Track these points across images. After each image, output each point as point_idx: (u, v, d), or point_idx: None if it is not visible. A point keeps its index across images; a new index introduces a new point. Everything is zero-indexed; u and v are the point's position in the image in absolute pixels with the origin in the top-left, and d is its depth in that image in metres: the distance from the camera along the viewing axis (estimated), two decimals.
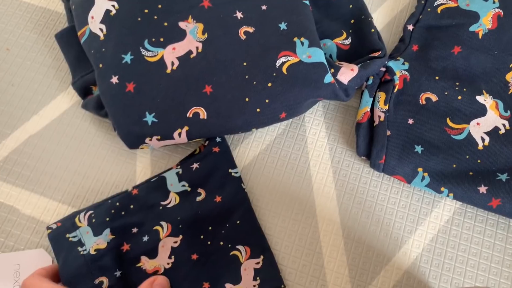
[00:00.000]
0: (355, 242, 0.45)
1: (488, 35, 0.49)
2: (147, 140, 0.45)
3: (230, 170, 0.46)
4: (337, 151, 0.48)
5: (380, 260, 0.44)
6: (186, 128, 0.45)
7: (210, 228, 0.44)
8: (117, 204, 0.44)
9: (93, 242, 0.42)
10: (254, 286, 0.42)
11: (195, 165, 0.45)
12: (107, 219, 0.44)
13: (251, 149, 0.48)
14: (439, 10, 0.51)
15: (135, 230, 0.44)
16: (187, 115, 0.44)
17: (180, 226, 0.44)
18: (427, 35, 0.50)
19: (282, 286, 0.42)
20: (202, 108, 0.44)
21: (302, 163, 0.48)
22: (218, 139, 0.46)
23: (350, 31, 0.51)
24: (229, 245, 0.43)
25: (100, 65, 0.45)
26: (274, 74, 0.45)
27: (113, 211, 0.44)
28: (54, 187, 0.46)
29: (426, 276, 0.44)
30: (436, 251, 0.44)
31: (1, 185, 0.46)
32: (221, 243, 0.43)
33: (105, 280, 0.42)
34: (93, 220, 0.44)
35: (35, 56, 0.52)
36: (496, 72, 0.48)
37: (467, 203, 0.45)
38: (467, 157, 0.45)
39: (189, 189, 0.45)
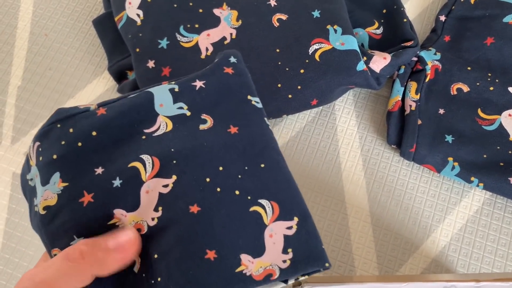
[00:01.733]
0: (383, 230, 0.45)
1: None
2: None
3: (249, 97, 0.33)
4: (367, 139, 0.49)
5: (408, 247, 0.44)
6: None
7: (220, 168, 0.30)
8: (70, 130, 0.29)
9: (41, 196, 0.29)
10: (285, 261, 0.28)
11: (199, 83, 0.32)
12: (54, 156, 0.29)
13: (281, 136, 0.49)
14: (472, 0, 0.51)
15: (99, 170, 0.29)
16: None
17: (175, 161, 0.30)
18: (460, 26, 0.50)
19: (327, 265, 0.29)
20: None
21: (331, 150, 0.48)
22: (232, 59, 0.34)
23: (382, 20, 0.51)
24: (249, 197, 0.30)
25: (137, 50, 0.46)
26: (307, 61, 0.45)
27: (63, 142, 0.29)
28: None
29: (454, 265, 0.44)
30: (465, 240, 0.44)
31: None
32: (237, 192, 0.30)
33: (58, 252, 0.28)
34: (40, 158, 0.29)
35: (71, 42, 0.53)
36: None
37: (497, 194, 0.45)
38: (498, 148, 0.45)
39: (188, 113, 0.32)
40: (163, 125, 0.31)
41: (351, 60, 0.45)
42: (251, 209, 0.29)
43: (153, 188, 0.29)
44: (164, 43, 0.46)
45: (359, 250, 0.44)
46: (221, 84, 0.33)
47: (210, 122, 0.32)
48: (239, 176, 0.30)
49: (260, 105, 0.34)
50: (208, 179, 0.29)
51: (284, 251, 0.29)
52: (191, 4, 0.47)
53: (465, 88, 0.47)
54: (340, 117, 0.50)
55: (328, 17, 0.47)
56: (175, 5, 0.47)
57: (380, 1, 0.51)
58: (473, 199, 0.46)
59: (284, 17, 0.47)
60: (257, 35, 0.46)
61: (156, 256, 0.28)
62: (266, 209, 0.30)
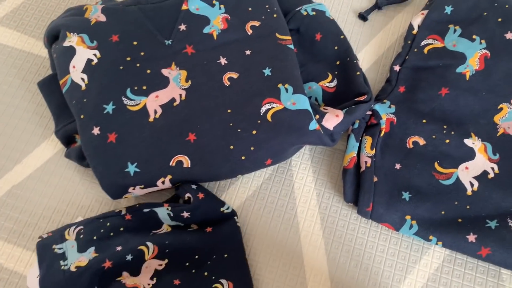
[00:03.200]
0: None
1: (475, 76, 0.48)
2: (130, 189, 0.44)
3: (221, 209, 0.45)
4: (325, 196, 0.48)
5: None
6: (169, 176, 0.44)
7: (196, 256, 0.44)
8: (108, 224, 0.44)
9: (75, 259, 0.42)
10: None
11: (186, 214, 0.44)
12: (95, 237, 0.44)
13: (237, 196, 0.48)
14: (425, 50, 0.50)
15: (119, 248, 0.43)
16: (170, 164, 0.44)
17: (167, 250, 0.43)
18: (414, 76, 0.50)
19: None
20: (186, 157, 0.44)
21: (289, 209, 0.47)
22: (193, 186, 0.45)
23: (336, 73, 0.50)
24: (213, 277, 0.43)
25: (82, 116, 0.44)
26: (259, 121, 0.44)
27: (102, 230, 0.44)
28: (36, 240, 0.46)
29: None
30: None
31: None
32: (206, 273, 0.43)
33: None
34: (81, 236, 0.43)
35: (18, 102, 0.51)
36: (484, 114, 0.48)
37: (456, 251, 0.44)
38: (456, 203, 0.44)
39: (182, 224, 0.46)
40: (165, 228, 0.45)
41: (303, 120, 0.44)
42: (214, 285, 0.42)
43: (151, 265, 0.43)
44: (109, 108, 0.44)
45: None
46: (200, 211, 0.45)
47: (195, 227, 0.46)
48: (208, 262, 0.43)
49: (229, 210, 0.46)
50: (187, 263, 0.44)
51: None
52: (138, 65, 0.46)
53: (421, 141, 0.47)
54: (297, 173, 0.48)
55: (279, 76, 0.46)
56: (121, 67, 0.46)
57: (333, 53, 0.50)
58: (433, 256, 0.45)
59: (235, 75, 0.46)
60: (208, 96, 0.45)
61: None
62: (224, 286, 0.42)
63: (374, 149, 0.47)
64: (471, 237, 0.43)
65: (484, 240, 0.43)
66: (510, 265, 0.42)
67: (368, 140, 0.47)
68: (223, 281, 0.43)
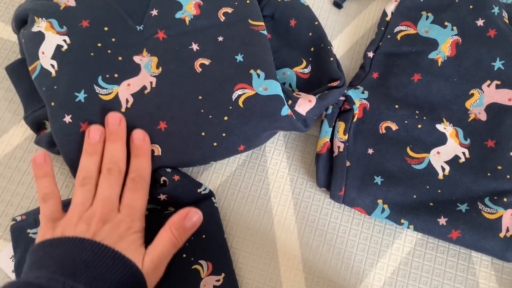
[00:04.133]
0: (316, 277, 0.44)
1: (447, 62, 0.49)
2: None
3: (198, 190, 0.45)
4: (298, 181, 0.48)
5: None
6: None
7: None
8: None
9: None
10: None
11: (162, 197, 0.44)
12: None
13: (211, 181, 0.47)
14: (398, 37, 0.50)
15: None
16: None
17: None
18: (387, 62, 0.50)
19: None
20: (157, 145, 0.43)
21: (263, 195, 0.47)
22: (168, 169, 0.44)
23: (310, 59, 0.50)
24: (192, 258, 0.43)
25: (52, 104, 0.43)
26: (230, 108, 0.44)
27: None
28: (5, 226, 0.45)
29: None
30: (398, 284, 0.44)
31: None
32: (184, 255, 0.43)
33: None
34: None
35: None
36: (456, 100, 0.48)
37: (428, 235, 0.44)
38: (428, 187, 0.45)
39: (159, 207, 0.45)
40: None
41: (275, 106, 0.44)
42: (193, 266, 0.42)
43: None
44: (81, 96, 0.44)
45: None
46: (177, 193, 0.44)
47: (172, 209, 0.45)
48: (187, 244, 0.42)
49: (206, 190, 0.45)
50: None
51: None
52: (109, 51, 0.45)
53: (394, 127, 0.47)
54: (271, 159, 0.48)
55: (251, 61, 0.46)
56: (92, 54, 0.45)
57: (307, 40, 0.50)
58: (405, 240, 0.45)
59: (207, 62, 0.46)
60: (178, 82, 0.45)
61: None
62: (203, 267, 0.42)
63: (347, 134, 0.47)
64: (442, 220, 0.43)
65: (454, 223, 0.43)
66: (479, 247, 0.43)
67: (341, 126, 0.47)
68: (202, 262, 0.43)
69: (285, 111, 0.44)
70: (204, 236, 0.44)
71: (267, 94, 0.44)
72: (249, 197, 0.47)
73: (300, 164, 0.48)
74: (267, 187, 0.47)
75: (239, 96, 0.44)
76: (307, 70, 0.50)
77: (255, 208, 0.46)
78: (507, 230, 0.43)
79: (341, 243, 0.45)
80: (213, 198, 0.45)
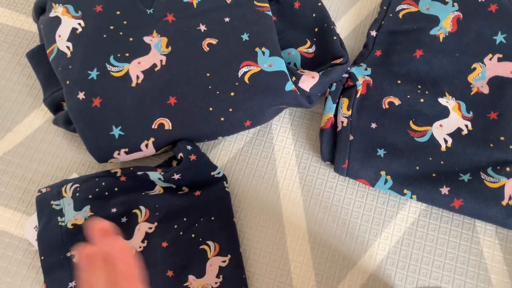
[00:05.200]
0: (321, 247, 0.45)
1: (449, 38, 0.50)
2: (115, 154, 0.46)
3: (212, 173, 0.47)
4: (304, 157, 0.49)
5: (346, 264, 0.45)
6: (152, 139, 0.46)
7: (184, 219, 0.45)
8: (103, 184, 0.46)
9: (72, 217, 0.45)
10: (216, 283, 0.43)
11: (177, 176, 0.46)
12: (90, 196, 0.45)
13: (219, 158, 0.49)
14: (400, 15, 0.52)
15: (114, 210, 0.45)
16: (153, 127, 0.45)
17: (157, 213, 0.45)
18: (390, 40, 0.51)
19: None
20: (167, 119, 0.46)
21: (269, 170, 0.49)
22: (188, 147, 0.46)
23: (314, 39, 0.51)
24: (200, 239, 0.45)
25: (67, 82, 0.46)
26: (237, 84, 0.46)
27: (97, 189, 0.46)
28: (27, 202, 0.48)
29: (392, 278, 0.44)
30: (402, 253, 0.45)
31: None
32: (193, 235, 0.45)
33: (76, 254, 0.43)
34: (77, 194, 0.46)
35: (9, 75, 0.53)
36: (458, 74, 0.49)
37: (430, 204, 0.45)
38: (430, 159, 0.46)
39: (174, 186, 0.47)
40: (158, 190, 0.47)
41: (280, 81, 0.46)
42: (200, 247, 0.44)
43: (142, 227, 0.45)
44: (94, 74, 0.46)
45: (297, 268, 0.45)
46: (191, 173, 0.46)
47: (186, 189, 0.47)
48: (196, 225, 0.45)
49: (220, 174, 0.47)
50: (176, 226, 0.45)
51: (217, 276, 0.44)
52: (121, 33, 0.48)
53: (396, 102, 0.48)
54: (277, 136, 0.50)
55: (257, 40, 0.47)
56: (105, 36, 0.47)
57: (311, 20, 0.52)
58: (409, 211, 0.46)
59: (214, 41, 0.48)
60: (187, 61, 0.47)
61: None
62: (211, 247, 0.44)
63: (351, 110, 0.48)
64: (444, 190, 0.44)
65: (457, 192, 0.44)
66: (482, 215, 0.44)
67: (344, 102, 0.48)
68: (210, 242, 0.44)
69: (289, 86, 0.46)
70: (213, 218, 0.45)
71: (272, 70, 0.46)
72: (256, 172, 0.48)
73: (306, 140, 0.50)
74: (274, 162, 0.49)
75: (245, 73, 0.46)
76: (311, 50, 0.51)
77: (262, 182, 0.48)
78: (510, 198, 0.43)
79: (346, 215, 0.46)
80: (225, 182, 0.47)
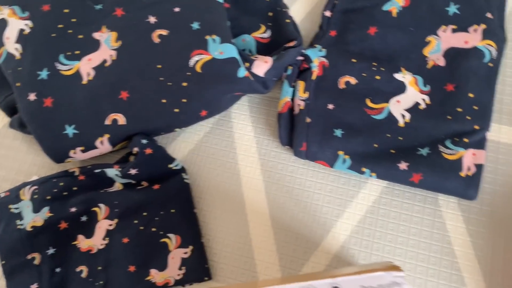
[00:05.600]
0: (284, 231, 0.45)
1: (402, 13, 0.49)
2: (71, 153, 0.46)
3: (169, 166, 0.47)
4: (264, 143, 0.49)
5: (310, 246, 0.44)
6: (107, 135, 0.45)
7: (144, 214, 0.45)
8: (61, 184, 0.46)
9: (31, 219, 0.45)
10: (179, 275, 0.43)
11: (133, 171, 0.46)
12: (48, 197, 0.45)
13: (180, 150, 0.49)
14: None
15: (73, 209, 0.45)
16: (106, 123, 0.45)
17: (117, 210, 0.45)
18: (344, 19, 0.51)
19: (206, 279, 0.43)
20: (120, 114, 0.45)
21: (230, 159, 0.48)
22: (143, 141, 0.46)
23: (269, 24, 0.51)
24: (161, 232, 0.44)
25: (18, 84, 0.46)
26: (189, 74, 0.45)
27: (55, 190, 0.46)
28: None
29: (356, 258, 0.44)
30: (365, 232, 0.44)
31: None
32: (154, 229, 0.45)
33: (37, 256, 0.44)
34: (36, 196, 0.45)
35: None
36: (413, 48, 0.48)
37: (390, 181, 0.45)
38: (388, 135, 0.45)
39: (134, 182, 0.47)
40: (117, 187, 0.47)
41: (231, 68, 0.45)
42: (161, 240, 0.44)
43: (103, 225, 0.45)
44: (44, 74, 0.46)
45: (261, 255, 0.44)
46: (148, 167, 0.46)
47: (145, 184, 0.47)
48: (156, 219, 0.45)
49: (178, 166, 0.47)
50: (136, 221, 0.45)
51: (180, 268, 0.44)
52: (70, 31, 0.47)
53: (353, 81, 0.48)
54: (237, 124, 0.50)
55: (207, 28, 0.47)
56: (54, 35, 0.47)
57: (265, 5, 0.51)
58: (370, 189, 0.46)
59: (164, 32, 0.47)
60: (137, 54, 0.46)
61: (99, 268, 0.44)
62: (172, 240, 0.44)
63: (308, 92, 0.48)
64: (403, 165, 0.44)
65: (415, 166, 0.43)
66: (442, 189, 0.43)
67: (301, 84, 0.48)
68: (171, 235, 0.44)
69: (242, 73, 0.45)
70: (173, 210, 0.45)
71: (223, 57, 0.45)
72: (217, 161, 0.48)
73: (266, 126, 0.49)
74: (234, 151, 0.49)
75: (197, 62, 0.45)
76: (266, 35, 0.51)
77: (223, 171, 0.48)
78: (468, 169, 0.43)
79: (308, 197, 0.46)
80: (184, 174, 0.47)
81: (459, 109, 0.45)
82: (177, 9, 0.48)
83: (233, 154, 0.48)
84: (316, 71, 0.48)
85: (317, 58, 0.49)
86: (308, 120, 0.46)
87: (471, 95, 0.46)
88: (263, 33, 0.51)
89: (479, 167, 0.43)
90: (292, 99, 0.48)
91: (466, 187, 0.43)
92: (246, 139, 0.49)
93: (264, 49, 0.51)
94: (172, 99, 0.45)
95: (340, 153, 0.45)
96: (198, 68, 0.45)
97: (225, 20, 0.48)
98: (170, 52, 0.46)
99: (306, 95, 0.47)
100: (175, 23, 0.48)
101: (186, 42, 0.46)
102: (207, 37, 0.46)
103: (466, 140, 0.44)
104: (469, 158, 0.43)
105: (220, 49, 0.46)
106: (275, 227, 0.45)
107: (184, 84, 0.45)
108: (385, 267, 0.30)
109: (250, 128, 0.49)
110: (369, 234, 0.44)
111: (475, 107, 0.45)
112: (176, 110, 0.45)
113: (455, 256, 0.43)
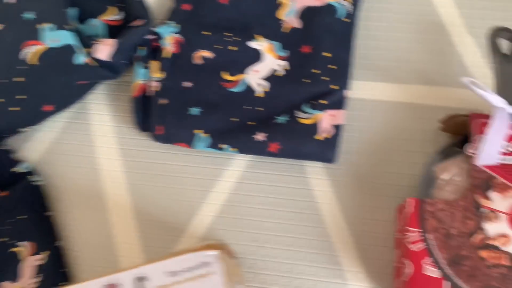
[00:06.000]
0: (148, 222, 0.42)
1: None
2: None
3: (13, 170, 0.43)
4: (124, 132, 0.46)
5: (176, 233, 0.42)
6: None
7: None
8: None
9: None
10: (36, 283, 0.40)
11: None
12: None
13: (34, 151, 0.46)
14: None
15: None
16: None
17: None
18: None
19: (62, 284, 0.41)
20: None
21: (88, 153, 0.45)
22: None
23: (122, 5, 0.48)
24: (12, 242, 0.41)
25: None
26: (25, 67, 0.42)
27: None
28: None
29: (226, 239, 0.42)
30: (233, 210, 0.42)
31: None
32: (6, 239, 0.41)
33: None
34: None
35: None
36: (268, 13, 0.46)
37: (251, 154, 0.43)
38: (245, 107, 0.43)
39: None
40: None
41: (67, 56, 0.42)
42: (14, 249, 0.41)
43: None
44: None
45: (125, 250, 0.42)
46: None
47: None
48: (6, 228, 0.41)
49: (25, 169, 0.44)
50: None
51: (36, 276, 0.40)
52: None
53: (209, 54, 0.45)
54: (94, 116, 0.47)
55: (41, 17, 0.43)
56: None
57: None
58: (235, 166, 0.44)
59: (0, 27, 0.43)
60: None
61: None
62: (24, 248, 0.41)
63: (163, 72, 0.45)
64: (259, 136, 0.42)
65: (273, 136, 0.42)
66: (301, 155, 0.42)
67: (154, 65, 0.45)
68: (23, 243, 0.41)
69: (79, 59, 0.42)
70: (26, 216, 0.42)
71: (59, 45, 0.42)
72: (75, 158, 0.45)
73: (125, 113, 0.46)
74: (92, 144, 0.46)
75: (30, 54, 0.42)
76: (119, 17, 0.48)
77: (81, 168, 0.45)
78: (327, 132, 0.41)
79: (172, 183, 0.44)
80: (32, 176, 0.44)
81: (315, 71, 0.43)
82: (13, 1, 0.44)
83: (91, 148, 0.45)
84: (169, 49, 0.45)
85: (170, 35, 0.46)
86: (164, 101, 0.44)
87: (327, 54, 0.44)
88: (115, 15, 0.47)
89: (338, 127, 0.42)
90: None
91: (323, 150, 0.41)
92: (105, 130, 0.46)
93: (118, 32, 0.47)
94: (8, 98, 0.42)
95: (197, 131, 0.42)
96: (34, 61, 0.42)
97: (61, 6, 0.44)
98: (4, 48, 0.43)
99: (161, 75, 0.45)
100: (9, 16, 0.44)
101: (18, 34, 0.43)
102: (40, 26, 0.43)
103: (323, 101, 0.42)
104: (327, 120, 0.42)
105: (55, 37, 0.42)
106: (139, 219, 0.43)
107: (20, 79, 0.42)
108: (199, 248, 0.28)
109: (108, 118, 0.46)
110: (237, 212, 0.42)
111: (332, 67, 0.44)
112: (15, 108, 0.42)
113: (323, 222, 0.41)
